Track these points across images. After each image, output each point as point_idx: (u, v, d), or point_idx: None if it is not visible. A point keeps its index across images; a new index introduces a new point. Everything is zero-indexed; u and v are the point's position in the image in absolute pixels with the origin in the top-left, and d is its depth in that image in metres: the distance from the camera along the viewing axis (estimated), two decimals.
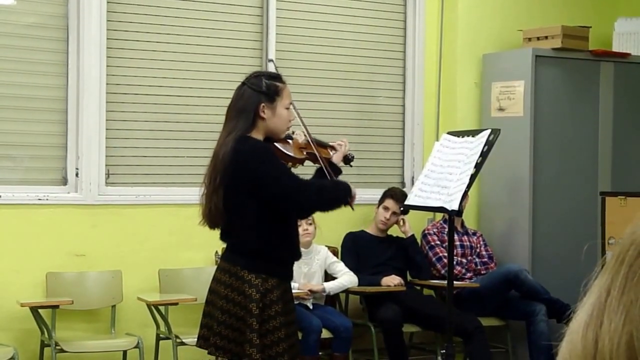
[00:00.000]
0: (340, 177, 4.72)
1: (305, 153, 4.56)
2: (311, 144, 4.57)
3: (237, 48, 6.78)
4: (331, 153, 4.69)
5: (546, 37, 7.15)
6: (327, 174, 4.53)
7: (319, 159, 4.56)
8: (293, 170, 4.56)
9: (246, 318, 4.28)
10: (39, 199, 6.12)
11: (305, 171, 4.72)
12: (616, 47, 7.53)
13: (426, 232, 7.07)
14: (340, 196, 4.48)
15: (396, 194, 6.81)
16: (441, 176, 5.23)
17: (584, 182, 7.23)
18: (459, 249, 6.94)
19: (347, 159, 4.75)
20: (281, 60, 6.79)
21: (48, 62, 6.24)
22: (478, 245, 7.12)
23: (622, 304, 0.84)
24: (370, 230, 6.91)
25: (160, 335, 6.18)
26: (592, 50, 7.26)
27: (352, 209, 4.58)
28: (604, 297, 0.85)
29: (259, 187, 4.27)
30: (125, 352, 6.13)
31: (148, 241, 6.40)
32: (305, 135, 4.60)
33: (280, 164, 4.37)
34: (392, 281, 6.60)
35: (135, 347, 6.00)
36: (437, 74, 7.48)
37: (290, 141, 4.53)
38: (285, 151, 4.47)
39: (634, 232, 0.87)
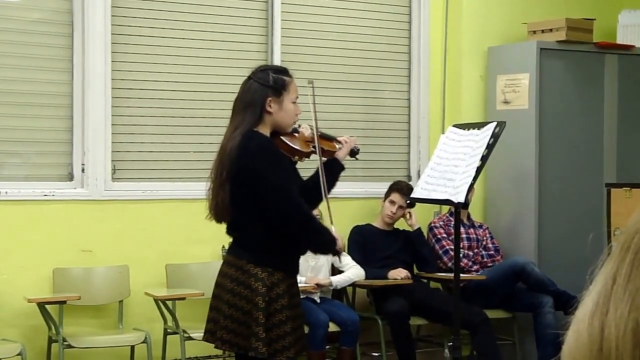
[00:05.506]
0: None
1: (311, 147, 4.56)
2: (316, 138, 4.56)
3: (243, 43, 6.77)
4: (337, 147, 4.69)
5: (551, 30, 7.14)
6: (321, 176, 4.51)
7: (321, 155, 4.55)
8: (299, 163, 4.57)
9: (252, 311, 4.29)
10: (45, 195, 6.13)
11: (310, 165, 4.72)
12: (620, 39, 7.52)
13: (432, 225, 7.07)
14: (319, 245, 4.52)
15: (402, 188, 6.80)
16: (447, 169, 5.22)
17: (589, 174, 7.22)
18: (466, 242, 6.94)
19: (353, 152, 4.76)
20: (286, 54, 6.79)
21: (53, 58, 6.24)
22: (484, 238, 7.11)
23: (627, 291, 0.83)
24: (377, 223, 6.91)
25: (168, 330, 6.19)
26: (596, 42, 7.25)
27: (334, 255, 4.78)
28: (609, 285, 0.85)
29: (256, 186, 4.26)
30: (132, 347, 6.13)
31: (155, 236, 6.40)
32: (311, 129, 4.60)
33: (283, 171, 4.34)
34: (399, 274, 6.60)
35: (143, 342, 6.01)
36: (443, 67, 7.47)
37: (296, 134, 4.53)
38: (292, 144, 4.47)
39: (638, 220, 0.87)
